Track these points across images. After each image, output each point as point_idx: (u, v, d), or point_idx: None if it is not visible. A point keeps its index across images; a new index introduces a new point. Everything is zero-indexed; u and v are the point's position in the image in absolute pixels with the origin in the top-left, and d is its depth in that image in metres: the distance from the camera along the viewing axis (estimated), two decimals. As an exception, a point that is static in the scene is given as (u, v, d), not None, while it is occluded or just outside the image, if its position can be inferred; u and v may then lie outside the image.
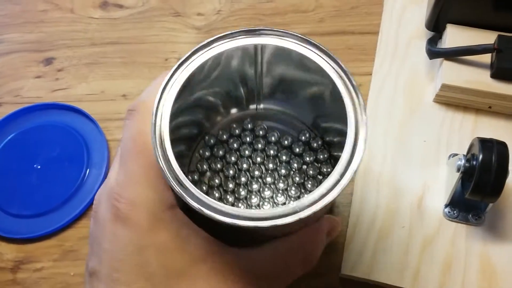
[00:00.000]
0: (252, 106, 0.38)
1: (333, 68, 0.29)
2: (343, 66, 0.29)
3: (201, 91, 0.33)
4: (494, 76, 0.40)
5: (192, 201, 0.25)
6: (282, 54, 0.30)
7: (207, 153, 0.37)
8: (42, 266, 0.41)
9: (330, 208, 0.40)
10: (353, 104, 0.28)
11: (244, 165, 0.36)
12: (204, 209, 0.25)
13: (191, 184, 0.26)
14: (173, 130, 0.28)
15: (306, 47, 0.29)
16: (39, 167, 0.45)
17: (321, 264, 0.38)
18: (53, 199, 0.43)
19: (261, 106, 0.38)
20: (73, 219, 0.42)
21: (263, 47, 0.30)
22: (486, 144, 0.35)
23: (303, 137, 0.36)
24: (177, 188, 0.25)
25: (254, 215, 0.25)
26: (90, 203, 0.43)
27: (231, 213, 0.25)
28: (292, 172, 0.36)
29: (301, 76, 0.32)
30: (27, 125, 0.48)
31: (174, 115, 0.28)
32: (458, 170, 0.36)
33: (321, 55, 0.29)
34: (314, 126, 0.37)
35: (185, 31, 0.52)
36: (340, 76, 0.29)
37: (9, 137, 0.47)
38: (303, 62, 0.30)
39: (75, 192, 0.44)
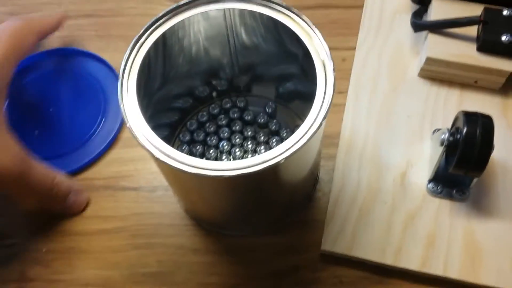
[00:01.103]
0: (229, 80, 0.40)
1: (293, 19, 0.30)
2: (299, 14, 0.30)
3: (180, 61, 0.33)
4: (480, 49, 0.39)
5: (159, 154, 0.26)
6: (245, 16, 0.31)
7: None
8: (13, 242, 0.39)
9: (313, 184, 0.39)
10: (313, 45, 0.29)
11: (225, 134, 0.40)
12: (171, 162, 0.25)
13: (159, 139, 0.26)
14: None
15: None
16: (54, 111, 0.44)
17: (302, 241, 0.38)
18: (65, 144, 0.42)
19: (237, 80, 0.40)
20: (84, 165, 0.41)
21: (230, 11, 0.31)
22: (471, 117, 0.34)
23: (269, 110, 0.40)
24: (142, 142, 0.26)
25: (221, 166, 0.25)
26: (103, 152, 0.42)
27: (197, 166, 0.25)
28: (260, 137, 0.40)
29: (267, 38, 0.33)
30: (46, 69, 0.47)
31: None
32: (442, 144, 0.35)
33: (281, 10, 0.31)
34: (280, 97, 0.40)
35: (163, 3, 0.50)
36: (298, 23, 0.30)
37: (27, 79, 0.46)
38: (266, 23, 0.31)
39: (88, 139, 0.42)
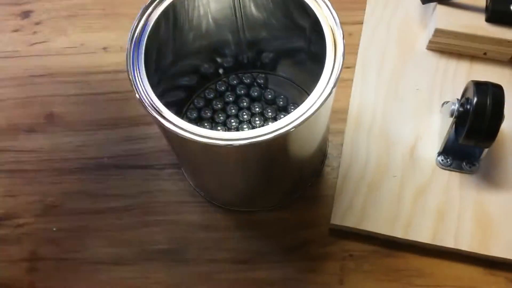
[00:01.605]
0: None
1: None
2: None
3: (187, 35, 0.34)
4: (489, 19, 0.39)
5: (170, 125, 0.26)
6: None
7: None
8: (25, 222, 0.40)
9: (322, 159, 0.39)
10: (322, 14, 0.29)
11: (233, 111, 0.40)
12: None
13: (168, 111, 0.26)
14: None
15: None
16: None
17: (311, 216, 0.38)
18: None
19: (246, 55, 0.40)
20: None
21: None
22: (481, 87, 0.34)
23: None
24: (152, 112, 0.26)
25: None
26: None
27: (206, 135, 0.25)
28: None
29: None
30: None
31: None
32: (452, 115, 0.35)
33: None
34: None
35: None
36: None
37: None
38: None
39: None
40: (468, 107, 0.33)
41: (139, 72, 0.27)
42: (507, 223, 0.35)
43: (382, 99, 0.40)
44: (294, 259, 0.37)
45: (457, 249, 0.34)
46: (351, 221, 0.36)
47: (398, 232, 0.35)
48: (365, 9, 0.45)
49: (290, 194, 0.38)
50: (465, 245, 0.34)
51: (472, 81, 0.34)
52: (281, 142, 0.27)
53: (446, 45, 0.41)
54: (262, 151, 0.28)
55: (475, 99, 0.33)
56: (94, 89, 0.45)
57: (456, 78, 0.40)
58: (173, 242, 0.38)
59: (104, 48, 0.47)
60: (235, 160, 0.30)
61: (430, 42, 0.41)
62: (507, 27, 0.39)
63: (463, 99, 0.35)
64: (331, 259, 0.36)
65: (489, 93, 0.33)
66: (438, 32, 0.39)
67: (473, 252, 0.34)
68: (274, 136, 0.25)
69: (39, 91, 0.45)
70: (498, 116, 0.33)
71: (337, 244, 0.36)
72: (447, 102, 0.38)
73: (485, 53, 0.40)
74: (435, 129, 0.38)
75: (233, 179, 0.34)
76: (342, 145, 0.39)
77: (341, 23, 0.29)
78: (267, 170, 0.32)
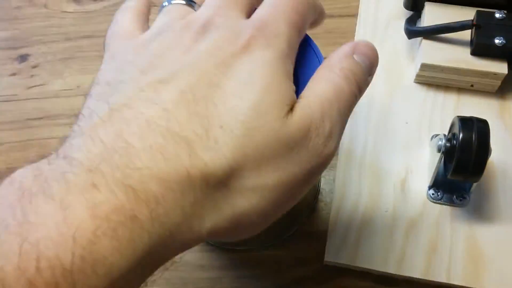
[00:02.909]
0: None
1: None
2: None
3: None
4: (474, 53, 0.39)
5: None
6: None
7: None
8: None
9: (315, 196, 0.39)
10: None
11: None
12: None
13: None
14: None
15: None
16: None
17: (305, 253, 0.38)
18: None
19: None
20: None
21: None
22: (466, 122, 0.34)
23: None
24: None
25: None
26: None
27: None
28: None
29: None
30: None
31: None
32: (439, 150, 0.35)
33: None
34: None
35: (161, 21, 0.51)
36: None
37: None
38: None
39: None
40: (455, 142, 0.34)
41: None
42: (498, 256, 0.35)
43: (372, 133, 0.41)
44: (289, 297, 0.37)
45: (450, 284, 0.35)
46: (345, 258, 0.36)
47: (391, 267, 0.35)
48: (353, 44, 0.45)
49: (284, 231, 0.38)
50: (457, 279, 0.35)
51: (458, 116, 0.35)
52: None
53: (433, 78, 0.41)
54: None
55: (461, 135, 0.33)
56: (90, 130, 0.46)
57: (444, 110, 0.41)
58: (170, 282, 0.38)
59: (100, 90, 0.48)
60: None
61: (417, 75, 0.41)
62: (492, 60, 0.39)
63: (450, 135, 0.35)
64: (326, 296, 0.36)
65: (474, 129, 0.33)
66: (424, 66, 0.40)
67: (466, 287, 0.34)
68: None
69: (36, 134, 0.46)
70: (484, 151, 0.33)
71: (332, 281, 0.37)
72: (436, 135, 0.39)
73: (472, 85, 0.41)
74: (425, 161, 0.39)
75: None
76: (334, 180, 0.39)
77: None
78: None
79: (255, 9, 0.26)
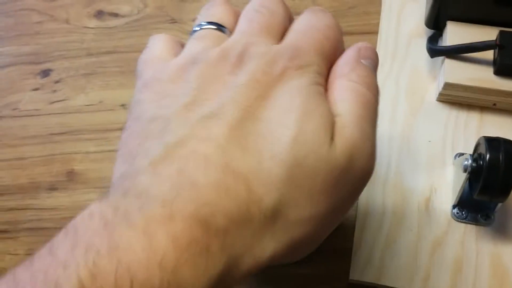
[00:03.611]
0: None
1: None
2: None
3: None
4: (498, 72, 0.40)
5: None
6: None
7: None
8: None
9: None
10: None
11: None
12: None
13: None
14: None
15: None
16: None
17: (329, 270, 0.38)
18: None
19: None
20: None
21: None
22: (493, 143, 0.34)
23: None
24: None
25: None
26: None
27: None
28: None
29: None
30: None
31: None
32: (465, 170, 0.35)
33: None
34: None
35: (182, 37, 0.52)
36: None
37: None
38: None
39: None
40: (481, 163, 0.34)
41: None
42: (525, 276, 0.35)
43: (395, 151, 0.41)
44: (314, 314, 0.37)
45: (476, 303, 0.35)
46: (370, 276, 0.36)
47: (417, 286, 0.35)
48: (374, 61, 0.46)
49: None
50: (484, 298, 0.35)
51: (484, 137, 0.35)
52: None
53: (456, 97, 0.41)
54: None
55: (488, 156, 0.33)
56: (113, 146, 0.46)
57: (468, 129, 0.41)
58: None
59: (122, 105, 0.48)
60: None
61: (440, 94, 0.42)
62: (515, 79, 0.40)
63: (476, 155, 0.35)
64: (351, 315, 0.36)
65: (501, 149, 0.33)
66: (447, 85, 0.40)
67: (492, 306, 0.35)
68: None
69: (59, 149, 0.47)
70: (511, 172, 0.33)
71: (356, 299, 0.37)
72: (460, 154, 0.39)
73: (495, 104, 0.41)
74: (449, 180, 0.39)
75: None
76: (357, 199, 0.40)
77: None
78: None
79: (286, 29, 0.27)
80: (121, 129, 0.47)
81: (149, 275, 0.18)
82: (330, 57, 0.26)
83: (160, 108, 0.24)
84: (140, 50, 0.51)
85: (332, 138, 0.23)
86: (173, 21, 0.53)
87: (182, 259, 0.19)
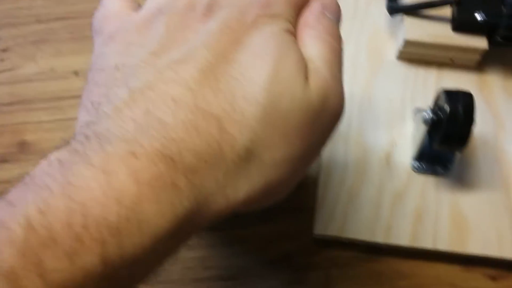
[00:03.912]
0: None
1: None
2: None
3: None
4: (455, 28, 0.40)
5: None
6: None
7: None
8: None
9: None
10: None
11: None
12: None
13: None
14: None
15: None
16: None
17: (292, 228, 0.38)
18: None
19: None
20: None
21: None
22: (452, 95, 0.35)
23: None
24: None
25: None
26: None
27: None
28: None
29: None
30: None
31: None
32: (425, 123, 0.36)
33: None
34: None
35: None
36: None
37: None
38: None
39: None
40: (441, 115, 0.34)
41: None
42: (481, 221, 0.36)
43: (356, 109, 0.41)
44: (279, 272, 0.37)
45: (436, 249, 0.35)
46: (333, 230, 0.36)
47: (379, 237, 0.36)
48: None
49: (273, 208, 0.38)
50: (443, 244, 0.35)
51: (444, 89, 0.35)
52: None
53: (415, 55, 0.42)
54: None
55: (448, 107, 0.34)
56: (66, 114, 0.44)
57: (426, 85, 0.42)
58: (157, 263, 0.37)
59: (75, 72, 0.46)
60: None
61: (400, 52, 0.42)
62: (472, 35, 0.40)
63: (435, 107, 0.36)
64: (315, 268, 0.36)
65: (460, 101, 0.34)
66: (406, 42, 0.41)
67: (451, 251, 0.35)
68: None
69: (9, 120, 0.44)
70: (470, 122, 0.34)
71: (320, 254, 0.37)
72: (419, 109, 0.39)
73: (452, 60, 0.42)
74: (409, 135, 0.40)
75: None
76: (320, 156, 0.40)
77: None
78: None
79: None
80: (74, 96, 0.46)
81: (105, 211, 0.17)
82: (299, 8, 0.26)
83: (126, 57, 0.24)
84: (92, 16, 0.50)
85: (306, 79, 0.23)
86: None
87: (143, 195, 0.18)
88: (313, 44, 0.24)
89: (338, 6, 0.28)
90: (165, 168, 0.19)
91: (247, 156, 0.21)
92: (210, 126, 0.20)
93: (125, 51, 0.24)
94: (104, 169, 0.18)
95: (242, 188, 0.21)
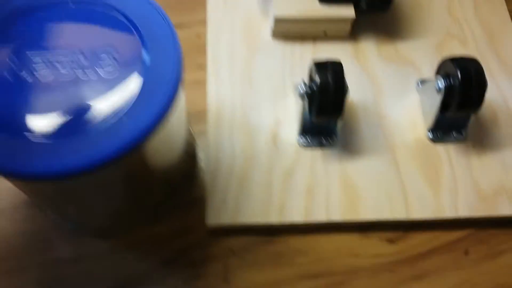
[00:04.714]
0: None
1: None
2: None
3: None
4: (322, 0, 0.40)
5: None
6: None
7: None
8: None
9: (193, 164, 0.38)
10: None
11: None
12: None
13: None
14: None
15: None
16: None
17: (186, 222, 0.37)
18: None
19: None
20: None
21: None
22: (322, 65, 0.35)
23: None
24: None
25: None
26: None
27: None
28: None
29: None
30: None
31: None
32: (300, 96, 0.36)
33: None
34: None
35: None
36: None
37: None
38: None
39: None
40: (314, 86, 0.34)
41: None
42: (370, 187, 0.37)
43: (238, 92, 0.40)
44: (176, 270, 0.35)
45: (330, 221, 0.35)
46: (226, 218, 0.35)
47: (273, 217, 0.35)
48: (206, 8, 0.45)
49: (163, 206, 0.37)
50: (336, 215, 0.36)
51: (314, 61, 0.35)
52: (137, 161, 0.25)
53: (288, 31, 0.42)
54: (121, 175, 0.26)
55: (318, 79, 0.34)
56: None
57: (303, 60, 0.42)
58: (44, 284, 0.35)
59: None
60: (93, 192, 0.28)
61: (273, 30, 0.42)
62: (340, 5, 0.41)
63: (309, 80, 0.36)
64: (213, 260, 0.35)
65: (329, 70, 0.34)
66: (277, 20, 0.41)
67: (345, 220, 0.36)
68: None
69: None
70: (341, 89, 0.34)
71: (217, 244, 0.36)
72: (297, 84, 0.39)
73: (325, 33, 0.42)
74: (292, 111, 0.39)
75: (97, 209, 0.32)
76: (207, 146, 0.38)
77: (187, 26, 0.27)
78: (131, 191, 0.30)
79: None
80: None
81: None
82: None
83: None
84: None
85: None
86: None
87: None
88: None
89: None
90: None
91: None
92: None
93: None
94: None
95: None
